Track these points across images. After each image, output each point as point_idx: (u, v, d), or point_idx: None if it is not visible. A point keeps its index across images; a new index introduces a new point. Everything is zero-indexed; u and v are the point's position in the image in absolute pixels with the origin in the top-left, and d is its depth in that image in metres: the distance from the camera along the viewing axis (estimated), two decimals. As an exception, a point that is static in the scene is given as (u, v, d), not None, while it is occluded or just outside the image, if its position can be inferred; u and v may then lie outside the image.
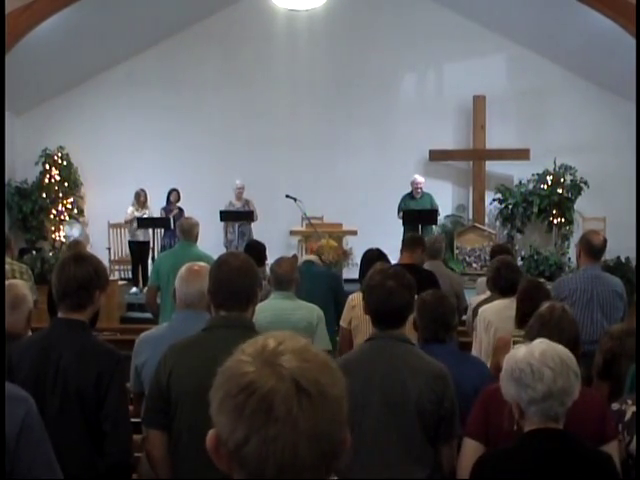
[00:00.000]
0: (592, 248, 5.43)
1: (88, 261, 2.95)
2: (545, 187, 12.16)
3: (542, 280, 8.24)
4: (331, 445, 1.07)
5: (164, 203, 11.33)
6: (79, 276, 2.87)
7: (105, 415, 2.73)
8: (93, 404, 2.74)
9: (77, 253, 3.20)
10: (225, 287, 2.76)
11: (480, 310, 4.81)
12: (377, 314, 2.96)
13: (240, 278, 2.74)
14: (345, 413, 1.10)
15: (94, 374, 2.73)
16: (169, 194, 11.34)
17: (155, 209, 11.37)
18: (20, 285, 3.53)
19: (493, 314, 4.62)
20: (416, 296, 3.29)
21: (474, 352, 4.59)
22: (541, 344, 2.34)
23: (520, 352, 2.35)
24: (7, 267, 6.01)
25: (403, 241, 6.02)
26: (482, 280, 5.80)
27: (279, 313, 4.43)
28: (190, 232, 6.06)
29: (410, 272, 5.34)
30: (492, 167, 12.44)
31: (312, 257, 6.88)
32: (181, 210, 11.12)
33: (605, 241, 5.53)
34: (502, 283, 4.78)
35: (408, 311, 2.97)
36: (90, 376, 2.73)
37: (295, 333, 1.16)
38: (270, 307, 4.41)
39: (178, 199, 11.33)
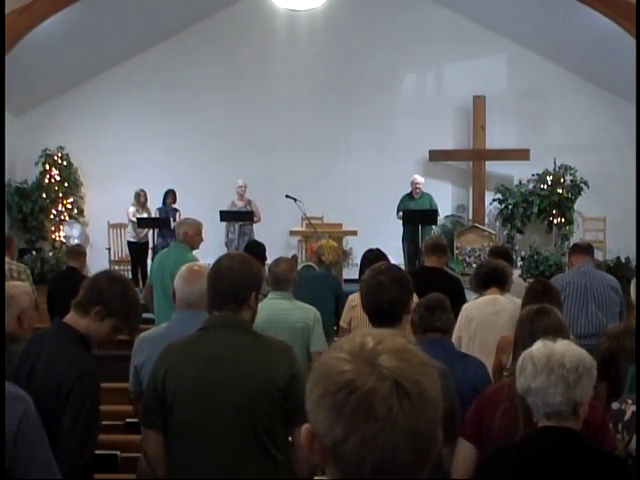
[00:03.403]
0: (579, 246, 5.67)
1: (114, 280, 2.92)
2: (545, 187, 12.16)
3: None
4: (428, 445, 1.08)
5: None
6: (97, 281, 2.89)
7: (62, 427, 2.63)
8: (53, 413, 2.64)
9: (115, 272, 3.21)
10: (214, 288, 2.76)
11: (464, 307, 4.86)
12: (368, 308, 2.94)
13: (227, 279, 2.72)
14: (440, 412, 1.11)
15: (54, 383, 2.66)
16: (165, 195, 11.35)
17: (155, 209, 11.40)
18: (9, 286, 3.53)
19: (475, 310, 4.66)
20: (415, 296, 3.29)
21: None
22: (555, 343, 2.36)
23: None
24: (5, 267, 6.01)
25: (430, 245, 5.89)
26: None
27: (276, 313, 4.41)
28: (178, 233, 6.11)
29: (437, 276, 5.39)
30: (492, 167, 12.44)
31: (310, 262, 6.96)
32: (176, 211, 11.15)
33: (590, 244, 5.89)
34: (481, 272, 4.85)
35: (400, 306, 2.90)
36: (51, 385, 2.67)
37: (392, 333, 1.16)
38: (267, 307, 4.38)
39: (174, 200, 11.33)
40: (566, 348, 2.33)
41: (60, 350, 2.77)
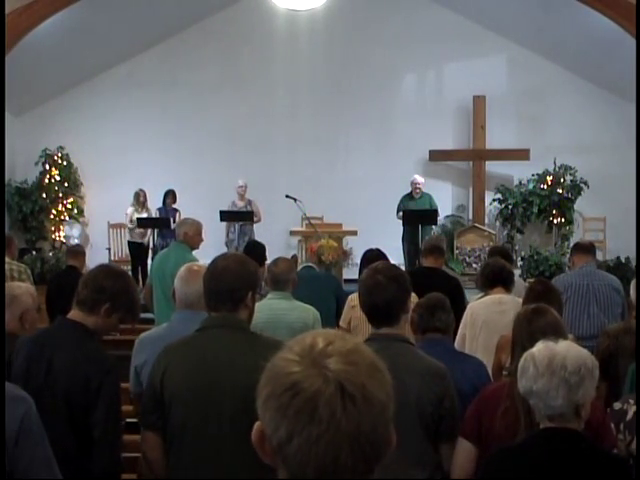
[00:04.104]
0: (581, 246, 5.65)
1: (116, 275, 2.96)
2: (545, 187, 12.16)
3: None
4: (374, 447, 1.07)
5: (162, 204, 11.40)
6: (99, 278, 2.90)
7: (94, 423, 2.71)
8: (80, 409, 2.71)
9: (113, 266, 3.21)
10: (209, 288, 2.76)
11: (469, 305, 4.86)
12: (365, 307, 2.93)
13: (222, 279, 2.72)
14: (390, 415, 1.10)
15: (82, 380, 2.71)
16: (165, 195, 11.35)
17: (155, 209, 11.41)
18: (13, 286, 3.54)
19: (481, 308, 4.66)
20: (415, 296, 3.28)
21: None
22: (557, 344, 2.34)
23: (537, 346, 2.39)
24: (5, 267, 6.00)
25: (427, 247, 5.87)
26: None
27: (275, 313, 4.40)
28: (178, 233, 6.11)
29: (436, 276, 5.39)
30: (492, 167, 12.44)
31: (310, 262, 6.97)
32: (176, 211, 11.16)
33: (592, 244, 5.81)
34: (488, 271, 4.84)
35: (397, 305, 2.87)
36: (78, 381, 2.71)
37: (344, 333, 1.16)
38: (266, 307, 4.37)
39: (174, 200, 11.34)
40: (568, 350, 2.32)
41: (81, 347, 2.81)
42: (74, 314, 2.89)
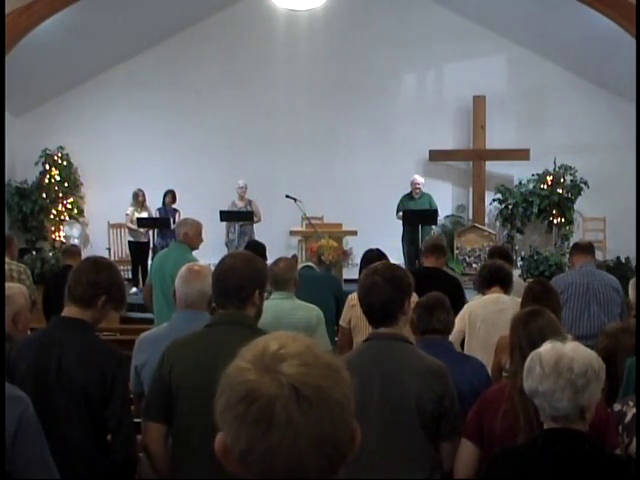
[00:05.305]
0: (580, 246, 5.68)
1: (107, 267, 3.01)
2: (545, 187, 12.16)
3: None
4: (336, 447, 1.06)
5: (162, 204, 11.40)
6: (92, 273, 2.92)
7: (111, 413, 2.77)
8: (97, 403, 2.77)
9: (100, 259, 3.22)
10: (217, 286, 2.80)
11: (467, 305, 4.86)
12: (363, 308, 2.94)
13: (230, 277, 2.76)
14: (351, 413, 1.09)
15: (97, 374, 2.76)
16: (165, 195, 11.35)
17: (154, 209, 11.41)
18: (6, 287, 3.55)
19: (479, 307, 4.67)
20: (415, 296, 3.28)
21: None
22: (564, 345, 2.33)
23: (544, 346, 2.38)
24: (5, 267, 6.00)
25: (428, 246, 5.87)
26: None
27: (278, 314, 4.40)
28: (178, 233, 6.11)
29: (435, 277, 5.39)
30: (492, 167, 12.44)
31: (310, 262, 6.96)
32: (176, 211, 11.16)
33: (591, 244, 5.83)
34: (485, 271, 4.84)
35: (394, 306, 2.87)
36: (94, 376, 2.76)
37: (298, 333, 1.15)
38: (269, 307, 4.35)
39: (174, 200, 11.34)
40: (575, 351, 2.30)
41: (87, 342, 2.85)
42: (70, 311, 2.91)
